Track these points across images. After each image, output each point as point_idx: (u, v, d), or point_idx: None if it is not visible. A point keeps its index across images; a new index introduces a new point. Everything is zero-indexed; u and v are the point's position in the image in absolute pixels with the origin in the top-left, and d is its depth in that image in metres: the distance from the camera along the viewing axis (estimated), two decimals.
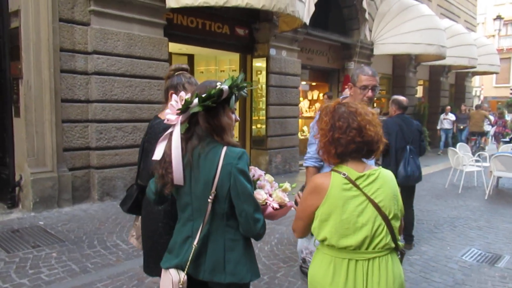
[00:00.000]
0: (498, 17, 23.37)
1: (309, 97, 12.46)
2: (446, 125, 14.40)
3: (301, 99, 11.68)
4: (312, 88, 12.56)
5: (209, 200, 1.71)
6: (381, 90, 14.91)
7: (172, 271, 1.77)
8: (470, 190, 8.33)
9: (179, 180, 1.75)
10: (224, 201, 1.72)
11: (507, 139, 11.93)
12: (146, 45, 6.62)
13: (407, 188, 4.86)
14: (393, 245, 1.78)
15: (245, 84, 1.81)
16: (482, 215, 6.44)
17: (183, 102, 1.72)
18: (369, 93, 2.90)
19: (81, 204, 6.12)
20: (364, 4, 10.95)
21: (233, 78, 1.77)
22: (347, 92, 4.79)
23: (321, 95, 12.45)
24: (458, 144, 9.76)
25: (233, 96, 1.78)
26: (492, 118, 15.60)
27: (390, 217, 1.75)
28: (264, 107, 9.18)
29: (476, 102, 31.74)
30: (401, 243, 1.85)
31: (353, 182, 1.73)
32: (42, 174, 5.62)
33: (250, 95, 9.32)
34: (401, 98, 5.08)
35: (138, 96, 6.57)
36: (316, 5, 9.07)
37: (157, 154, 1.79)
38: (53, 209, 5.75)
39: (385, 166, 4.66)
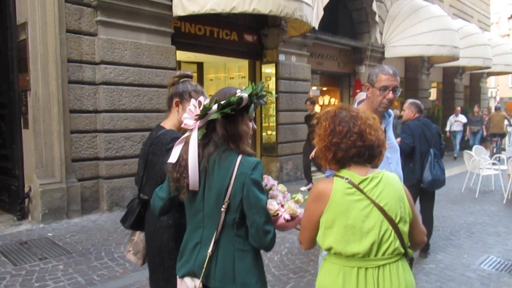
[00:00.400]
0: None
1: (320, 102, 12.33)
2: (456, 127, 13.96)
3: None
4: (323, 93, 12.45)
5: (222, 209, 1.69)
6: None
7: (187, 279, 1.78)
8: (487, 195, 8.09)
9: (195, 186, 1.73)
10: (235, 210, 1.69)
11: None
12: (153, 54, 6.61)
13: (428, 193, 4.73)
14: (402, 250, 1.71)
15: (264, 93, 1.80)
16: (500, 220, 6.22)
17: (201, 108, 1.71)
18: (390, 95, 2.62)
19: (90, 214, 6.09)
20: (374, 7, 10.82)
21: (253, 86, 1.75)
22: (360, 96, 4.68)
23: (332, 100, 12.34)
24: (474, 147, 9.51)
25: (252, 105, 1.76)
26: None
27: (397, 220, 1.68)
28: (274, 113, 9.10)
29: (493, 103, 31.20)
30: (410, 250, 1.78)
31: (356, 186, 1.68)
32: (51, 185, 5.61)
33: None
34: (418, 101, 5.04)
35: (146, 105, 6.54)
36: (324, 9, 9.00)
37: (173, 157, 1.78)
38: (62, 220, 5.74)
39: (410, 170, 4.59)
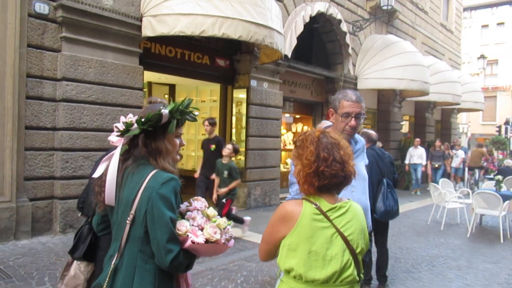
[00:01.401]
0: (482, 56, 23.91)
1: (293, 130, 12.35)
2: (416, 159, 13.14)
3: (284, 131, 11.58)
4: (296, 120, 12.48)
5: (127, 221, 1.67)
6: (366, 124, 14.89)
7: None
8: (452, 227, 8.11)
9: (110, 200, 1.73)
10: (140, 225, 1.65)
11: (491, 175, 11.81)
12: (119, 73, 6.49)
13: (382, 224, 4.64)
14: (358, 278, 1.75)
15: (190, 109, 1.81)
16: (463, 254, 6.19)
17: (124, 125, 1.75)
18: (352, 122, 2.52)
19: (41, 236, 5.78)
20: (347, 39, 11.05)
21: (176, 104, 1.76)
22: (322, 123, 4.63)
23: (305, 127, 12.39)
24: (441, 180, 9.60)
25: (174, 121, 1.75)
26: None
27: (357, 251, 1.72)
28: (244, 138, 9.02)
29: (464, 138, 32.04)
30: (361, 276, 1.80)
31: (324, 214, 1.70)
32: None
33: (230, 127, 9.18)
34: (371, 131, 4.96)
35: (109, 124, 6.36)
36: (298, 38, 9.12)
37: (97, 172, 1.81)
38: (9, 241, 5.41)
39: None
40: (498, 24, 34.76)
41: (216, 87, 9.43)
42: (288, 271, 1.72)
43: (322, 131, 1.80)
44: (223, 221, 1.78)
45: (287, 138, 11.91)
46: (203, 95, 10.16)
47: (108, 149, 6.50)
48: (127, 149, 1.77)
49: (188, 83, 9.81)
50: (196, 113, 1.91)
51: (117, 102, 6.48)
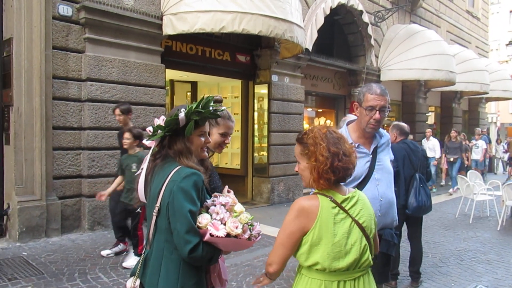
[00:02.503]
0: (511, 43, 23.05)
1: (316, 124, 12.25)
2: (427, 153, 11.48)
3: (306, 126, 11.51)
4: (318, 114, 12.38)
5: (153, 213, 1.79)
6: (391, 117, 14.64)
7: (131, 278, 1.86)
8: (482, 220, 7.90)
9: (141, 197, 1.91)
10: (164, 216, 1.76)
11: None
12: (142, 72, 6.57)
13: (415, 219, 4.55)
14: (372, 262, 1.84)
15: (208, 109, 1.85)
16: (492, 247, 6.03)
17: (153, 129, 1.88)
18: (377, 115, 2.50)
19: (70, 233, 5.95)
20: (369, 31, 10.86)
21: (192, 106, 1.83)
22: (347, 117, 4.57)
23: (328, 121, 12.28)
24: (469, 172, 9.35)
25: (191, 123, 1.82)
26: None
27: (370, 236, 1.83)
28: (266, 134, 9.01)
29: (493, 128, 31.10)
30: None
31: (339, 205, 1.78)
32: (29, 202, 5.49)
33: (252, 122, 9.18)
34: (402, 124, 4.80)
35: (132, 123, 6.45)
36: (319, 31, 9.03)
37: (138, 172, 1.98)
38: (40, 239, 5.59)
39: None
40: None
41: (237, 83, 9.44)
42: (312, 265, 1.76)
43: (327, 127, 1.86)
44: (244, 216, 1.80)
45: None
46: (224, 92, 10.19)
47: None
48: (158, 150, 1.90)
49: (210, 80, 9.86)
50: (223, 107, 2.00)
51: (140, 101, 6.57)
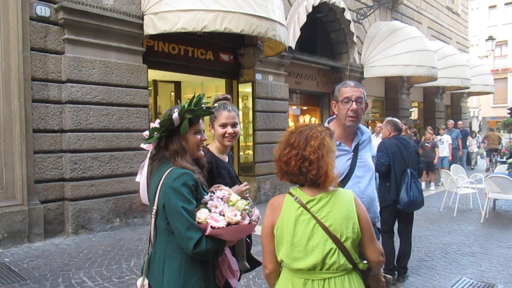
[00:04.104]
0: (490, 38, 23.49)
1: (301, 121, 12.29)
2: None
3: (291, 123, 11.52)
4: (303, 112, 12.42)
5: (152, 215, 1.86)
6: (375, 113, 14.77)
7: (141, 277, 1.94)
8: (465, 213, 8.01)
9: (144, 200, 1.98)
10: (162, 217, 1.83)
11: (503, 159, 11.65)
12: (123, 72, 6.49)
13: (406, 214, 4.58)
14: (350, 266, 1.80)
15: (199, 106, 1.90)
16: (476, 240, 6.12)
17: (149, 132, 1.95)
18: (353, 106, 2.50)
19: (54, 238, 5.84)
20: (352, 28, 10.92)
21: (184, 105, 1.89)
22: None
23: (313, 119, 12.32)
24: (452, 166, 9.48)
25: (185, 122, 1.88)
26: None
27: (342, 239, 1.77)
28: (251, 132, 8.99)
29: (475, 122, 31.64)
30: (363, 263, 1.87)
31: (304, 206, 1.78)
32: (10, 207, 5.37)
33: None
34: (396, 119, 4.85)
35: (115, 124, 6.38)
36: (302, 29, 9.04)
37: (138, 177, 2.02)
38: (22, 244, 5.48)
39: (386, 190, 4.44)
40: (506, 4, 34.04)
41: (221, 83, 9.40)
42: (281, 262, 1.84)
43: (296, 127, 1.93)
44: (241, 202, 1.87)
45: None
46: (208, 91, 10.14)
47: (116, 149, 6.57)
48: (156, 152, 1.95)
49: (193, 79, 9.79)
50: (216, 104, 2.14)
51: (123, 102, 6.49)
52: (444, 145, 11.49)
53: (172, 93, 10.36)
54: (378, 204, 2.76)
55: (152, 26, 6.45)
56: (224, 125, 2.36)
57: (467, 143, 15.20)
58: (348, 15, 10.55)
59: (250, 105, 8.99)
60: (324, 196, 1.80)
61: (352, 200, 1.84)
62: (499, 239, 6.12)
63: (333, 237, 1.75)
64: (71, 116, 5.94)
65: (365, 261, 1.88)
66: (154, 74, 8.45)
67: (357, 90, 2.55)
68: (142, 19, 6.58)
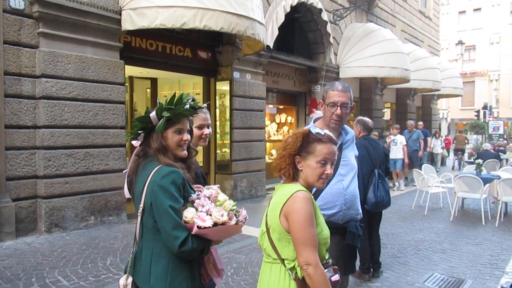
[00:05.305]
0: (460, 42, 24.25)
1: (277, 120, 12.38)
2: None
3: (268, 122, 11.59)
4: (279, 111, 12.50)
5: (138, 213, 1.86)
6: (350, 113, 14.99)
7: (124, 275, 1.91)
8: (436, 212, 8.28)
9: (126, 194, 1.98)
10: (149, 215, 1.82)
11: (471, 159, 12.07)
12: (100, 68, 6.37)
13: (374, 213, 4.67)
14: (274, 256, 1.91)
15: (179, 106, 1.88)
16: (446, 237, 6.34)
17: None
18: (338, 111, 2.62)
19: (26, 237, 5.69)
20: (328, 29, 11.07)
21: (161, 104, 1.89)
22: (315, 113, 4.60)
23: (289, 118, 12.43)
24: (423, 165, 9.77)
25: (162, 120, 1.86)
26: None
27: (268, 226, 1.92)
28: (228, 130, 9.00)
29: (444, 124, 32.60)
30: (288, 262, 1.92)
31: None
32: None
33: (214, 119, 9.14)
34: (366, 119, 4.86)
35: (91, 120, 6.27)
36: (280, 29, 9.10)
37: (126, 170, 2.03)
38: None
39: None
40: (475, 10, 35.30)
41: (198, 80, 9.36)
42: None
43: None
44: (228, 203, 1.86)
45: (271, 129, 11.93)
46: (185, 89, 10.07)
47: (91, 146, 6.45)
48: (142, 148, 1.95)
49: (170, 76, 9.71)
50: (205, 105, 2.14)
51: (99, 98, 6.38)
52: (397, 147, 10.73)
53: (148, 90, 10.22)
54: (359, 201, 2.85)
55: (130, 22, 6.36)
56: (201, 127, 2.37)
57: (428, 144, 14.19)
58: (325, 16, 10.69)
59: (227, 103, 8.99)
60: (278, 187, 1.97)
61: (287, 195, 1.82)
62: (468, 236, 6.36)
63: (266, 222, 1.90)
64: (45, 112, 5.79)
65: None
66: (130, 70, 8.32)
67: (344, 95, 2.63)
68: (120, 14, 6.47)
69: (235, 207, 1.87)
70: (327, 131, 1.93)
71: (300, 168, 1.90)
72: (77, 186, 6.13)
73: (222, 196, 1.89)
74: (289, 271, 1.81)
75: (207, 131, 2.40)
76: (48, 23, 5.82)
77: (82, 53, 6.17)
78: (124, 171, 2.03)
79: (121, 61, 6.70)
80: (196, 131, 2.34)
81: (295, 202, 1.79)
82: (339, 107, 2.61)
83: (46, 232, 5.81)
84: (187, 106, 1.93)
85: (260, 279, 1.94)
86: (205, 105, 2.27)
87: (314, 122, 2.82)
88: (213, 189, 1.91)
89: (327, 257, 1.92)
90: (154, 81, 9.99)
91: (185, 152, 1.96)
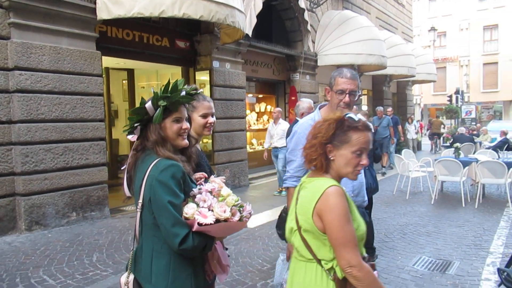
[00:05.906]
0: (432, 29, 24.67)
1: (257, 110, 12.31)
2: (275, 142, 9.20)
3: (248, 111, 11.52)
4: (259, 100, 12.44)
5: (137, 209, 1.77)
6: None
7: (125, 273, 1.84)
8: (417, 196, 8.44)
9: (126, 192, 1.88)
10: (148, 211, 1.74)
11: (447, 143, 12.34)
12: (76, 59, 6.14)
13: None
14: (309, 256, 1.79)
15: (176, 93, 1.78)
16: (430, 220, 6.46)
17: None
18: (346, 98, 2.58)
19: (5, 236, 5.48)
20: (306, 16, 11.03)
21: (156, 93, 1.78)
22: (303, 101, 4.47)
23: (268, 107, 12.38)
24: (403, 151, 9.93)
25: (159, 110, 1.77)
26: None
27: (299, 225, 1.81)
28: None
29: (417, 109, 33.25)
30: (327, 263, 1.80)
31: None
32: None
33: None
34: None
35: (69, 114, 6.05)
36: (258, 17, 8.99)
37: (124, 166, 1.92)
38: None
39: None
40: None
41: (177, 70, 9.18)
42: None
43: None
44: (231, 197, 1.75)
45: (251, 118, 11.87)
46: (164, 79, 9.85)
47: (70, 140, 6.25)
48: (140, 142, 1.85)
49: (148, 67, 9.49)
50: (200, 90, 1.99)
51: (76, 90, 6.15)
52: None
53: (125, 81, 9.99)
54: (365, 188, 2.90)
55: (106, 11, 6.13)
56: (205, 115, 2.33)
57: (399, 131, 13.47)
58: (302, 3, 10.64)
59: (207, 93, 8.85)
60: (307, 180, 1.79)
61: (319, 193, 1.66)
62: (450, 219, 6.51)
63: (296, 219, 1.73)
64: (21, 106, 5.55)
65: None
66: (106, 62, 8.05)
67: (352, 83, 2.61)
68: (95, 3, 6.23)
69: (239, 202, 1.76)
70: (361, 117, 1.79)
71: (331, 158, 1.72)
72: (57, 182, 5.93)
73: (226, 190, 1.77)
74: (327, 271, 1.67)
75: (211, 119, 2.35)
76: (19, 12, 5.55)
77: (56, 44, 5.93)
78: (122, 167, 1.91)
79: (98, 51, 6.48)
80: (200, 120, 2.29)
81: (328, 199, 1.62)
82: (347, 95, 2.59)
83: (26, 230, 5.61)
84: (183, 93, 1.82)
85: (292, 277, 1.79)
86: (201, 90, 2.15)
87: (320, 109, 2.79)
88: (216, 183, 1.80)
89: (364, 252, 1.78)
90: (130, 72, 9.76)
91: (186, 141, 1.86)
